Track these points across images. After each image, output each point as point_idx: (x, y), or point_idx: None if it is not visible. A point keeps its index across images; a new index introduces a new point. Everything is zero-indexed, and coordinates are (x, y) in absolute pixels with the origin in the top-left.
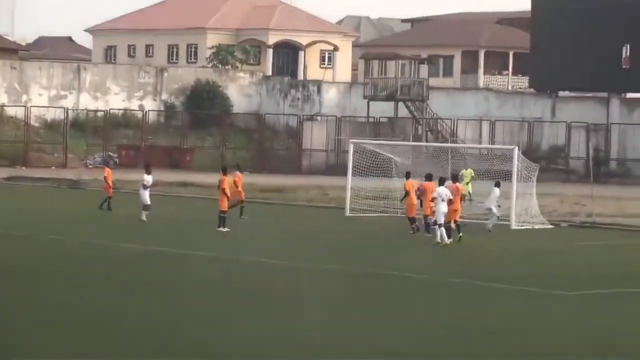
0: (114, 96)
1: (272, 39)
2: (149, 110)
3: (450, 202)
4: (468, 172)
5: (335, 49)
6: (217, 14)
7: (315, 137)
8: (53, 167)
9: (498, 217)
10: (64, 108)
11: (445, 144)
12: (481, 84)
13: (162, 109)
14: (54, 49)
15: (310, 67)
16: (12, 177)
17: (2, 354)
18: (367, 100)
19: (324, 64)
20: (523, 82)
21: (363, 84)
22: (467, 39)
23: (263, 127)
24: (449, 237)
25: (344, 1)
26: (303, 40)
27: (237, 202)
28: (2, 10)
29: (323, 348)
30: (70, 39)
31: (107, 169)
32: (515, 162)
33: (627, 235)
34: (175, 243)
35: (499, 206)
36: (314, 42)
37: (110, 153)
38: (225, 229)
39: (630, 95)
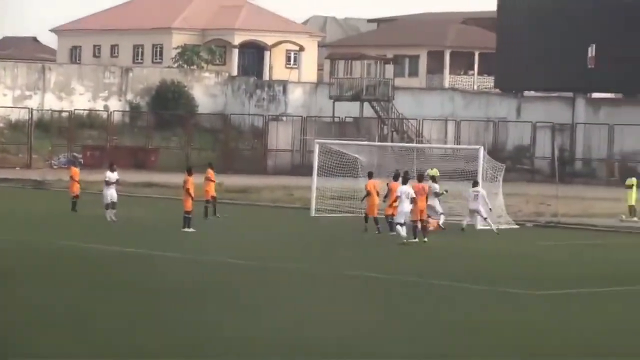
0: (78, 96)
1: (238, 39)
2: (114, 111)
3: (415, 202)
4: (433, 172)
5: (301, 49)
6: (182, 14)
7: (281, 137)
8: (17, 168)
9: (485, 218)
10: (29, 108)
11: (410, 144)
12: (447, 84)
13: (127, 109)
14: (19, 49)
15: (276, 67)
16: None
17: None
18: (332, 100)
19: (290, 64)
20: (489, 82)
21: (329, 84)
22: (433, 39)
23: (228, 127)
24: (414, 236)
25: (310, 1)
26: (269, 40)
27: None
28: None
29: (288, 348)
30: (35, 39)
31: (74, 168)
32: (481, 162)
33: (592, 235)
34: (140, 244)
35: (490, 209)
36: (280, 42)
37: (75, 153)
38: (191, 230)
39: (595, 95)
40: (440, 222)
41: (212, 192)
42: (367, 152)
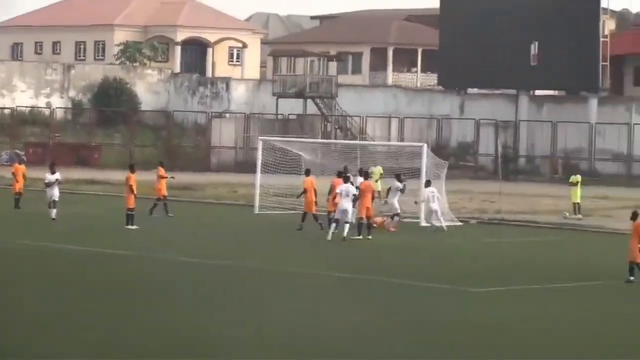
0: (20, 93)
1: (180, 35)
2: (56, 108)
3: (360, 199)
4: (377, 170)
5: (244, 46)
6: (124, 10)
7: (224, 134)
8: None
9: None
10: None
11: (354, 141)
12: (390, 81)
13: (70, 106)
14: None
15: (219, 64)
16: None
17: None
18: (275, 97)
19: (233, 61)
20: (432, 79)
21: (272, 81)
22: (376, 36)
23: (171, 124)
24: (359, 233)
25: None
26: (211, 37)
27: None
28: None
29: (230, 346)
30: None
31: (17, 166)
32: (424, 159)
33: (535, 232)
34: (83, 241)
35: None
36: (222, 39)
37: (17, 150)
38: (134, 227)
39: (538, 92)
40: (393, 222)
41: (164, 190)
42: (310, 150)
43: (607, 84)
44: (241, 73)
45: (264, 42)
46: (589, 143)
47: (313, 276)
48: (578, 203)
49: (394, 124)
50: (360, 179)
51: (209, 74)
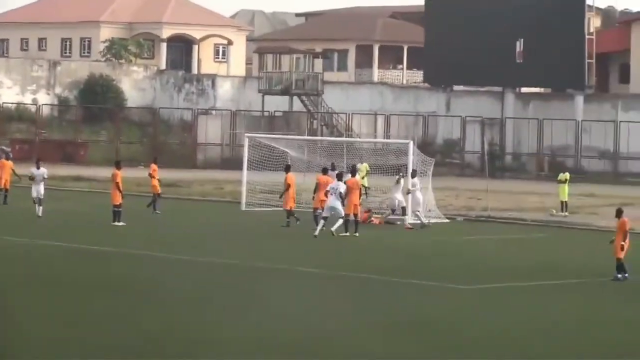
0: (6, 90)
1: (166, 32)
2: (42, 104)
3: (348, 196)
4: (363, 167)
5: (230, 42)
6: (110, 7)
7: (210, 131)
8: None
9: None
10: None
11: (340, 139)
12: (376, 78)
13: (56, 102)
14: None
15: (205, 61)
16: None
17: None
18: (261, 94)
19: (218, 58)
20: (417, 76)
21: (257, 78)
22: (361, 33)
23: (157, 121)
24: (346, 230)
25: None
26: (197, 34)
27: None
28: None
29: (219, 344)
30: None
31: (4, 161)
32: (411, 156)
33: (522, 229)
34: (69, 237)
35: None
36: (208, 36)
37: (3, 147)
38: (121, 223)
39: (524, 89)
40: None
41: (158, 187)
42: (296, 146)
43: (592, 81)
44: (227, 70)
45: (249, 39)
46: (575, 140)
47: (301, 274)
48: (565, 201)
49: (380, 121)
50: (349, 176)
51: (194, 70)
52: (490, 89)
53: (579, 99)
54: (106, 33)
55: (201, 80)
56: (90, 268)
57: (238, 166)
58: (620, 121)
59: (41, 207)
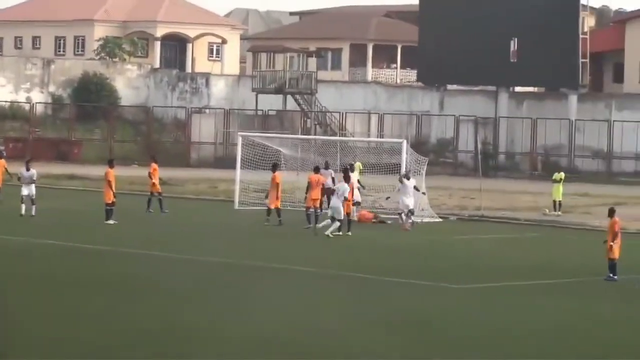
0: (0, 88)
1: (160, 31)
2: (36, 103)
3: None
4: (357, 166)
5: (224, 41)
6: (104, 5)
7: (204, 129)
8: None
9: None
10: None
11: (333, 137)
12: (369, 78)
13: (50, 101)
14: None
15: (199, 59)
16: None
17: None
18: (255, 93)
19: (212, 57)
20: (411, 75)
21: (251, 77)
22: (355, 32)
23: (151, 119)
24: (339, 230)
25: None
26: (191, 32)
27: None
28: None
29: (218, 344)
30: None
31: None
32: (404, 155)
33: (515, 228)
34: (63, 236)
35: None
36: (202, 35)
37: None
38: (113, 222)
39: (518, 88)
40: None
41: (158, 186)
42: (290, 145)
43: (586, 80)
44: (221, 69)
45: (243, 38)
46: (569, 140)
47: (296, 273)
48: (559, 200)
49: (374, 120)
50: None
51: (188, 69)
52: (484, 88)
53: (573, 99)
54: (100, 31)
55: (195, 79)
56: (85, 267)
57: (231, 165)
58: (614, 121)
59: (34, 206)
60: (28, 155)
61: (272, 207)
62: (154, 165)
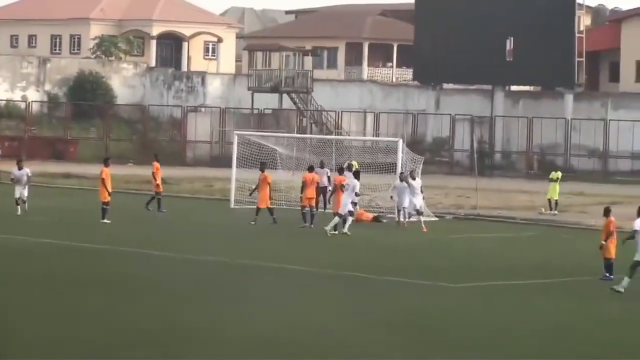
0: None
1: (156, 30)
2: (32, 101)
3: (335, 194)
4: (353, 164)
5: (219, 40)
6: (100, 4)
7: (200, 128)
8: None
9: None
10: None
11: (329, 136)
12: (365, 76)
13: (46, 99)
14: None
15: (194, 58)
16: None
17: None
18: (251, 91)
19: (208, 55)
20: (407, 74)
21: (247, 76)
22: (351, 30)
23: (147, 118)
24: (335, 229)
25: None
26: (187, 31)
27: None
28: None
29: (216, 343)
30: None
31: None
32: (400, 154)
33: (511, 227)
34: (59, 235)
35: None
36: (198, 33)
37: None
38: (106, 220)
39: (514, 87)
40: (423, 220)
41: (160, 186)
42: (285, 144)
43: (582, 79)
44: (216, 67)
45: (239, 37)
46: (565, 139)
47: (293, 272)
48: (556, 200)
49: (370, 118)
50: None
51: (184, 68)
52: (480, 87)
53: (569, 97)
54: (96, 30)
55: (191, 78)
56: (83, 266)
57: (227, 164)
58: (610, 120)
59: (24, 206)
60: (24, 153)
61: (262, 206)
62: (156, 164)
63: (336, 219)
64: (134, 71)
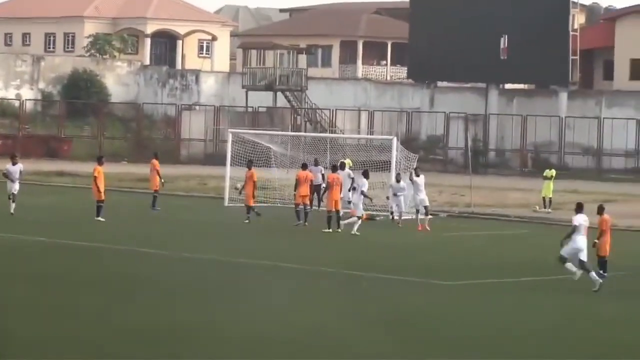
0: None
1: (150, 28)
2: (26, 99)
3: (329, 192)
4: (346, 162)
5: (214, 38)
6: (94, 2)
7: (194, 126)
8: None
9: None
10: None
11: (324, 134)
12: (360, 74)
13: (40, 98)
14: None
15: (189, 56)
16: None
17: None
18: (245, 90)
19: (202, 54)
20: (401, 72)
21: (241, 74)
22: (346, 29)
23: (141, 116)
24: (329, 227)
25: None
26: (181, 29)
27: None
28: None
29: (214, 342)
30: None
31: None
32: (394, 152)
33: (505, 225)
34: (53, 233)
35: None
36: (192, 32)
37: None
38: (100, 218)
39: (508, 85)
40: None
41: (157, 184)
42: (280, 142)
43: (576, 77)
44: (211, 65)
45: (233, 35)
46: (559, 137)
47: (286, 270)
48: (550, 197)
49: (364, 116)
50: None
51: (178, 66)
52: (474, 85)
53: (563, 96)
54: (90, 28)
55: (185, 76)
56: (77, 264)
57: (221, 162)
58: (604, 118)
59: (14, 204)
60: (18, 152)
61: (250, 204)
62: (155, 162)
63: (355, 219)
64: (128, 69)
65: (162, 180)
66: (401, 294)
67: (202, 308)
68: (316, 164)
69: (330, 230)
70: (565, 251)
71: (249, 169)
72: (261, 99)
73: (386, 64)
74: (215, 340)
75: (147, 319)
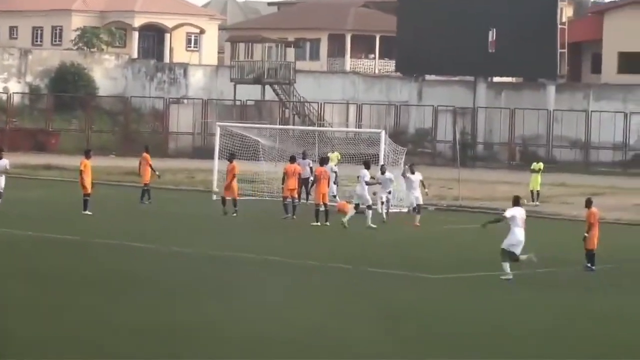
0: None
1: (138, 21)
2: (13, 93)
3: (316, 185)
4: (334, 156)
5: (202, 31)
6: None
7: (182, 120)
8: None
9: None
10: None
11: (312, 128)
12: (348, 68)
13: (27, 91)
14: None
15: (177, 49)
16: None
17: None
18: (233, 83)
19: (190, 47)
20: (389, 65)
21: (229, 67)
22: (334, 22)
23: (129, 110)
24: (317, 220)
25: None
26: (169, 22)
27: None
28: None
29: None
30: None
31: None
32: (383, 145)
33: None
34: (40, 227)
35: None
36: (180, 25)
37: None
38: (87, 212)
39: (496, 79)
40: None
41: (148, 177)
42: (268, 135)
43: (565, 70)
44: (199, 59)
45: (221, 28)
46: (547, 130)
47: (275, 263)
48: (538, 190)
49: (352, 110)
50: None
51: (166, 59)
52: (463, 78)
53: (551, 89)
54: (78, 21)
55: (173, 69)
56: (67, 260)
57: (210, 155)
58: (592, 111)
59: (0, 200)
60: (5, 145)
61: (232, 196)
62: (147, 155)
63: (369, 212)
64: (116, 63)
65: (157, 173)
66: (400, 290)
67: (201, 307)
68: (304, 157)
69: (319, 223)
70: (506, 244)
71: (230, 162)
72: (249, 92)
73: (374, 58)
74: (215, 340)
75: (147, 318)
